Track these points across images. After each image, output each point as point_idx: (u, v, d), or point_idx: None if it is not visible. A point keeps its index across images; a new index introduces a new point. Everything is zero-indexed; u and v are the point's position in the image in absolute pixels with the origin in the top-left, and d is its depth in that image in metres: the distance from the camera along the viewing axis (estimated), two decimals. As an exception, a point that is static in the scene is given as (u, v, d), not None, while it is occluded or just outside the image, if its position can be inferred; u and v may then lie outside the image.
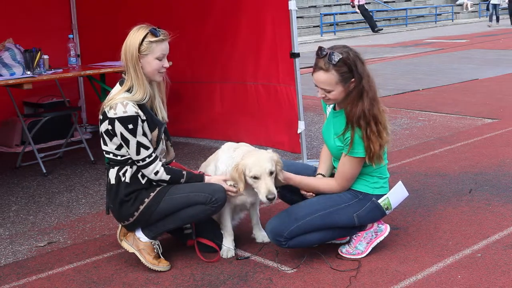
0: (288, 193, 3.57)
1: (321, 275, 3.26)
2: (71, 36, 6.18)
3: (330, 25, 23.65)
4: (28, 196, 4.93)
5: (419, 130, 6.57)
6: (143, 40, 3.26)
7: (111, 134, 3.26)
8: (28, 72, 5.28)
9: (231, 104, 6.14)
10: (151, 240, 3.43)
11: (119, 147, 3.29)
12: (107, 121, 3.24)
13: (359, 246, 3.46)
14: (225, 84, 6.16)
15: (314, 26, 23.42)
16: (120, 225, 3.51)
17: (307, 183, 3.45)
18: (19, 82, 5.07)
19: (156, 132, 3.33)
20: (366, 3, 23.56)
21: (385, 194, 3.44)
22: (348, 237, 3.54)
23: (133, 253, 3.44)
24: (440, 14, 28.69)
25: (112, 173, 3.35)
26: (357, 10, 23.18)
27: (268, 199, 3.21)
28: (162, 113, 3.47)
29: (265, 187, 3.22)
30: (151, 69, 3.31)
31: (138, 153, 3.25)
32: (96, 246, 3.82)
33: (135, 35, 3.28)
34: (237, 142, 3.73)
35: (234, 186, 3.39)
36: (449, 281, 3.13)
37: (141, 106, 3.28)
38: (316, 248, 3.51)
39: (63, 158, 6.06)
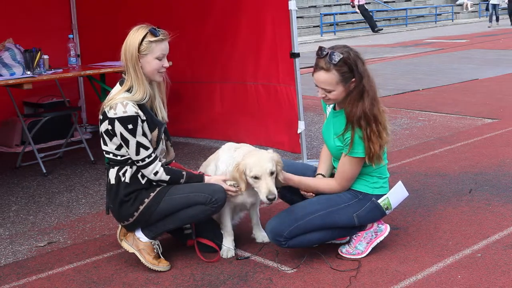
0: (288, 193, 3.57)
1: (321, 275, 3.26)
2: (71, 36, 6.18)
3: (330, 25, 23.65)
4: (28, 196, 4.93)
5: (419, 130, 6.57)
6: (142, 40, 3.26)
7: (111, 134, 3.26)
8: (28, 72, 5.28)
9: (231, 104, 6.14)
10: (151, 240, 3.43)
11: (119, 147, 3.29)
12: (107, 121, 3.24)
13: (359, 246, 3.46)
14: (225, 84, 6.16)
15: (314, 26, 23.42)
16: (120, 225, 3.51)
17: (307, 183, 3.45)
18: (19, 82, 5.07)
19: (156, 132, 3.33)
20: (366, 3, 23.56)
21: (385, 194, 3.44)
22: (348, 237, 3.54)
23: (133, 253, 3.44)
24: (440, 14, 28.70)
25: (112, 173, 3.35)
26: (357, 10, 23.19)
27: (268, 199, 3.21)
28: (162, 113, 3.47)
29: (266, 187, 3.22)
30: (151, 69, 3.31)
31: (137, 153, 3.25)
32: (96, 246, 3.82)
33: (135, 35, 3.28)
34: (237, 142, 3.73)
35: (234, 186, 3.39)
36: (449, 281, 3.13)
37: (141, 106, 3.28)
38: (316, 248, 3.51)
39: (63, 158, 6.06)
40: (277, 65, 5.44)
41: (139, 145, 3.24)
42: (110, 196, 3.40)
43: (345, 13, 25.21)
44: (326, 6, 25.56)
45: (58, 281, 3.35)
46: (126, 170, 3.32)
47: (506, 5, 25.34)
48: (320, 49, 3.26)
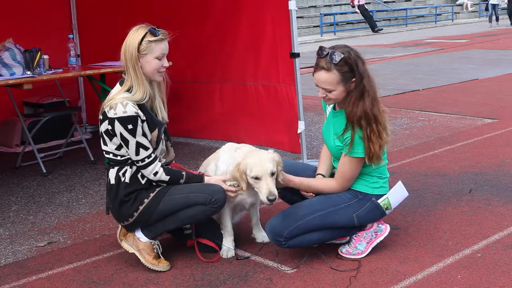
0: (288, 193, 3.57)
1: (321, 275, 3.26)
2: (71, 36, 6.18)
3: (330, 25, 23.64)
4: (28, 196, 4.93)
5: (419, 130, 6.57)
6: (142, 39, 3.26)
7: (111, 134, 3.26)
8: (28, 72, 5.28)
9: (231, 104, 6.14)
10: (151, 240, 3.42)
11: (119, 147, 3.29)
12: (107, 121, 3.24)
13: (359, 246, 3.46)
14: (225, 84, 6.16)
15: (314, 26, 23.42)
16: (120, 225, 3.51)
17: (307, 184, 3.45)
18: (19, 82, 5.07)
19: (156, 132, 3.33)
20: (366, 3, 23.56)
21: (385, 194, 3.44)
22: (348, 237, 3.54)
23: (133, 253, 3.44)
24: (440, 14, 28.69)
25: (112, 173, 3.35)
26: (357, 10, 23.19)
27: (269, 200, 3.20)
28: (162, 113, 3.46)
29: (266, 188, 3.21)
30: (151, 69, 3.31)
31: (137, 153, 3.25)
32: (96, 246, 3.82)
33: (134, 35, 3.27)
34: (237, 142, 3.72)
35: (234, 186, 3.39)
36: (449, 281, 3.13)
37: (141, 106, 3.28)
38: (316, 248, 3.51)
39: (63, 158, 6.06)
40: (277, 65, 5.44)
41: (139, 145, 3.24)
42: (110, 196, 3.40)
43: (345, 13, 25.21)
44: (326, 6, 25.56)
45: (58, 281, 3.35)
46: (126, 170, 3.32)
47: (506, 5, 25.33)
48: (321, 49, 3.26)
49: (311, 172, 3.62)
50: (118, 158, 3.32)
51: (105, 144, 3.33)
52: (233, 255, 3.54)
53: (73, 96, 7.09)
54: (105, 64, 5.76)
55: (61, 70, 5.59)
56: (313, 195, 3.48)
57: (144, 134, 3.26)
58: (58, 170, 5.65)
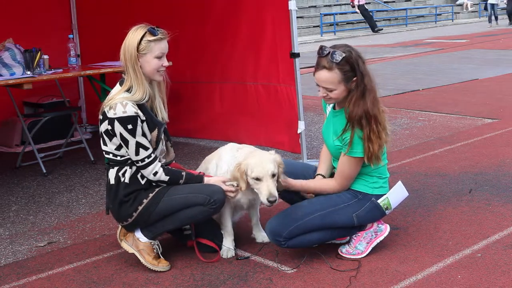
0: (288, 193, 3.57)
1: (321, 275, 3.26)
2: (71, 36, 6.18)
3: (330, 25, 23.64)
4: (28, 196, 4.93)
5: (419, 130, 6.57)
6: (141, 39, 3.25)
7: (111, 134, 3.25)
8: (28, 72, 5.28)
9: (231, 104, 6.14)
10: (151, 241, 3.42)
11: (119, 147, 3.29)
12: (106, 121, 3.24)
13: (359, 246, 3.46)
14: (225, 84, 6.16)
15: (314, 26, 23.41)
16: (120, 225, 3.51)
17: (308, 187, 3.46)
18: (19, 82, 5.07)
19: (155, 132, 3.33)
20: (366, 3, 23.55)
21: (385, 194, 3.44)
22: (348, 237, 3.54)
23: (133, 253, 3.44)
24: (440, 14, 28.69)
25: (112, 173, 3.35)
26: (357, 10, 23.18)
27: (269, 201, 3.19)
28: (162, 114, 3.46)
29: (267, 189, 3.21)
30: (150, 69, 3.30)
31: (137, 153, 3.25)
32: (96, 246, 3.82)
33: (134, 35, 3.27)
34: (237, 142, 3.72)
35: (233, 186, 3.38)
36: (449, 281, 3.13)
37: (140, 106, 3.28)
38: (316, 248, 3.51)
39: (63, 158, 6.06)
40: (277, 65, 5.44)
41: (138, 145, 3.24)
42: (109, 197, 3.40)
43: (345, 13, 25.21)
44: (326, 6, 25.56)
45: (58, 281, 3.35)
46: (126, 170, 3.32)
47: (505, 5, 25.32)
48: (322, 48, 3.26)
49: (311, 172, 3.62)
50: (118, 158, 3.32)
51: (105, 144, 3.33)
52: (233, 255, 3.54)
53: (73, 96, 7.09)
54: (105, 64, 5.76)
55: (61, 70, 5.59)
56: (313, 195, 3.48)
57: (143, 134, 3.26)
58: (58, 170, 5.65)
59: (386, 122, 3.34)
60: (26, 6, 6.50)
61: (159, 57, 3.30)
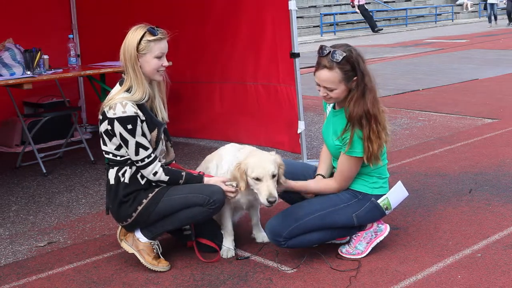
0: (288, 193, 3.57)
1: (321, 275, 3.26)
2: (71, 36, 6.18)
3: (330, 25, 23.64)
4: (28, 196, 4.93)
5: (419, 130, 6.57)
6: (141, 39, 3.25)
7: (111, 134, 3.25)
8: (28, 72, 5.28)
9: (231, 104, 6.14)
10: (150, 241, 3.42)
11: (119, 147, 3.29)
12: (106, 121, 3.24)
13: (359, 246, 3.46)
14: (225, 84, 6.16)
15: (314, 26, 23.41)
16: (119, 225, 3.51)
17: (309, 188, 3.46)
18: (19, 82, 5.07)
19: (155, 132, 3.33)
20: (366, 3, 23.54)
21: (385, 194, 3.44)
22: (348, 237, 3.54)
23: (133, 253, 3.44)
24: (440, 14, 28.68)
25: (112, 173, 3.35)
26: (357, 10, 23.17)
27: (269, 202, 3.19)
28: (162, 114, 3.46)
29: (267, 190, 3.20)
30: (150, 68, 3.30)
31: (137, 153, 3.25)
32: (96, 246, 3.82)
33: (133, 35, 3.27)
34: (237, 142, 3.72)
35: (232, 185, 3.38)
36: (449, 281, 3.13)
37: (140, 106, 3.27)
38: (316, 248, 3.51)
39: (63, 158, 6.06)
40: (277, 65, 5.44)
41: (138, 145, 3.24)
42: (109, 197, 3.39)
43: (345, 13, 25.20)
44: (326, 6, 25.55)
45: (58, 281, 3.35)
46: (126, 170, 3.32)
47: (505, 5, 25.31)
48: (322, 47, 3.26)
49: (311, 172, 3.62)
50: (118, 158, 3.32)
51: (105, 144, 3.33)
52: (233, 255, 3.54)
53: (73, 96, 7.09)
54: (105, 64, 5.77)
55: (61, 70, 5.60)
56: (313, 195, 3.48)
57: (143, 134, 3.26)
58: (58, 170, 5.65)
59: (386, 122, 3.34)
60: (26, 6, 6.50)
61: (159, 57, 3.30)
